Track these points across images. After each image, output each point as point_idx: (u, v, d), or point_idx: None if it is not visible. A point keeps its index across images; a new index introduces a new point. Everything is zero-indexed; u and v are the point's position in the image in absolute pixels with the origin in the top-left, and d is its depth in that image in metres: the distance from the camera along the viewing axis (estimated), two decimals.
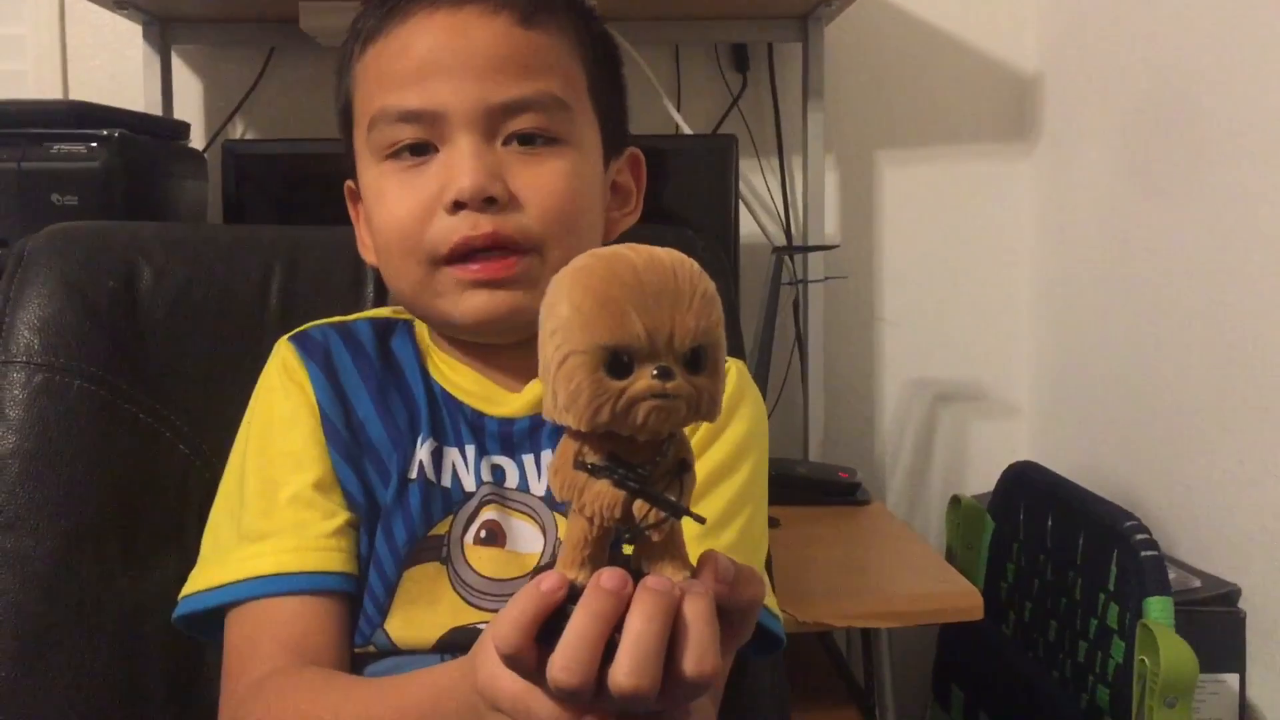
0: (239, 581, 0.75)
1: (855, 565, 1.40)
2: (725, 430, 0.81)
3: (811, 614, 1.18)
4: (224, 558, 0.77)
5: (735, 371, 0.85)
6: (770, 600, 0.80)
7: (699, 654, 0.48)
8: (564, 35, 0.79)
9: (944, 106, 1.89)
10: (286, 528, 0.75)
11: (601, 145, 0.82)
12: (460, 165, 0.74)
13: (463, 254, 0.75)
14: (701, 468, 0.79)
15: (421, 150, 0.76)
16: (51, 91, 1.80)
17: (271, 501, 0.76)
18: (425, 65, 0.75)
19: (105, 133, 1.36)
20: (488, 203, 0.74)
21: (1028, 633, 1.54)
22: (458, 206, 0.74)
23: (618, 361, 0.47)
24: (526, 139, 0.76)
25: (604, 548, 0.51)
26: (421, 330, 0.85)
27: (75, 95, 1.80)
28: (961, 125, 1.89)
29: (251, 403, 0.83)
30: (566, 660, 0.47)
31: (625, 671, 0.46)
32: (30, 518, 0.84)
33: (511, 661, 0.49)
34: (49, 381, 0.86)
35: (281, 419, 0.79)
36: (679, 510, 0.50)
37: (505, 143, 0.76)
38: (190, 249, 0.95)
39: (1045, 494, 1.55)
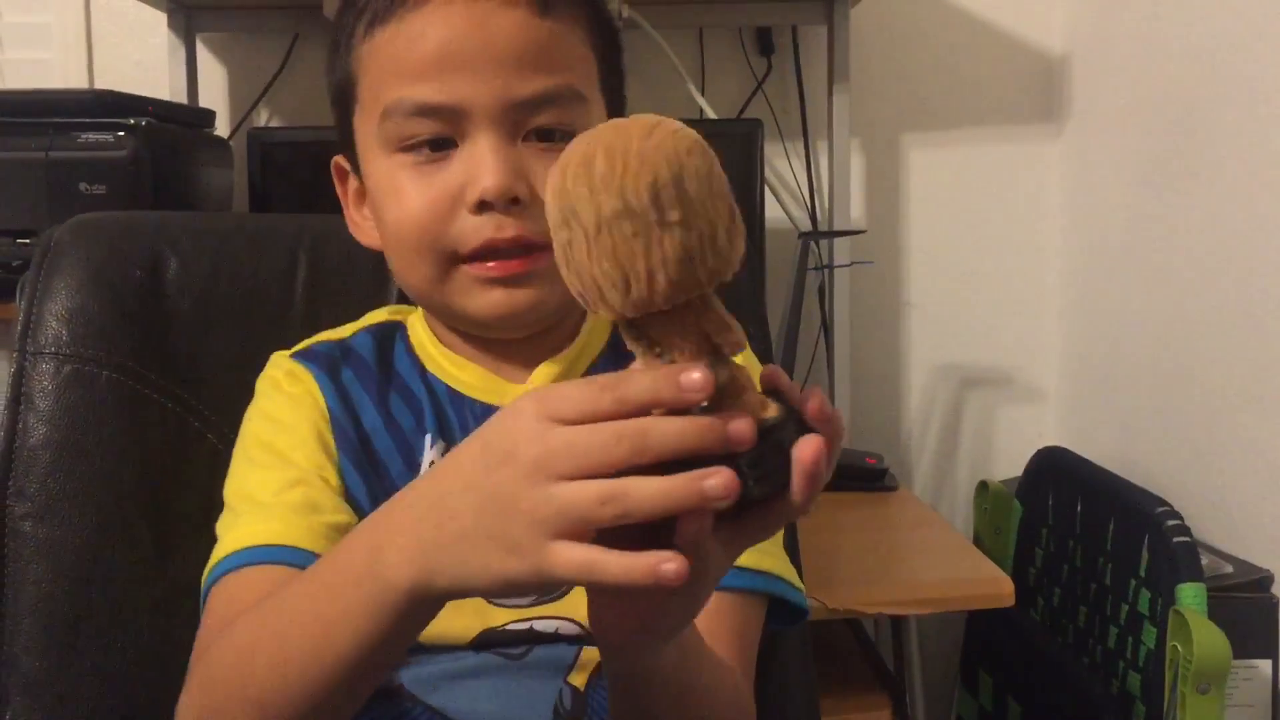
0: (231, 554, 0.73)
1: (884, 551, 1.40)
2: None
3: (841, 601, 1.18)
4: (223, 537, 0.75)
5: (742, 358, 0.85)
6: (790, 572, 0.80)
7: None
8: (577, 24, 0.77)
9: (970, 89, 1.87)
10: (284, 511, 0.74)
11: None
12: (483, 164, 0.72)
13: (483, 253, 0.74)
14: None
15: (438, 145, 0.74)
16: (77, 80, 1.80)
17: (271, 486, 0.75)
18: (444, 57, 0.72)
19: (132, 121, 1.37)
20: (512, 203, 0.73)
21: (1057, 618, 1.54)
22: (483, 206, 0.73)
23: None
24: (544, 133, 0.75)
25: None
26: (417, 331, 0.84)
27: (101, 83, 1.81)
28: (988, 108, 1.87)
29: (251, 406, 0.82)
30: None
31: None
32: (61, 507, 0.84)
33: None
34: (78, 372, 0.86)
35: (288, 416, 0.79)
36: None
37: (525, 138, 0.74)
38: (216, 238, 0.95)
39: (1074, 479, 1.53)
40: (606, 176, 0.46)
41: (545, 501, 0.48)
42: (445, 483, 0.53)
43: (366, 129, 0.78)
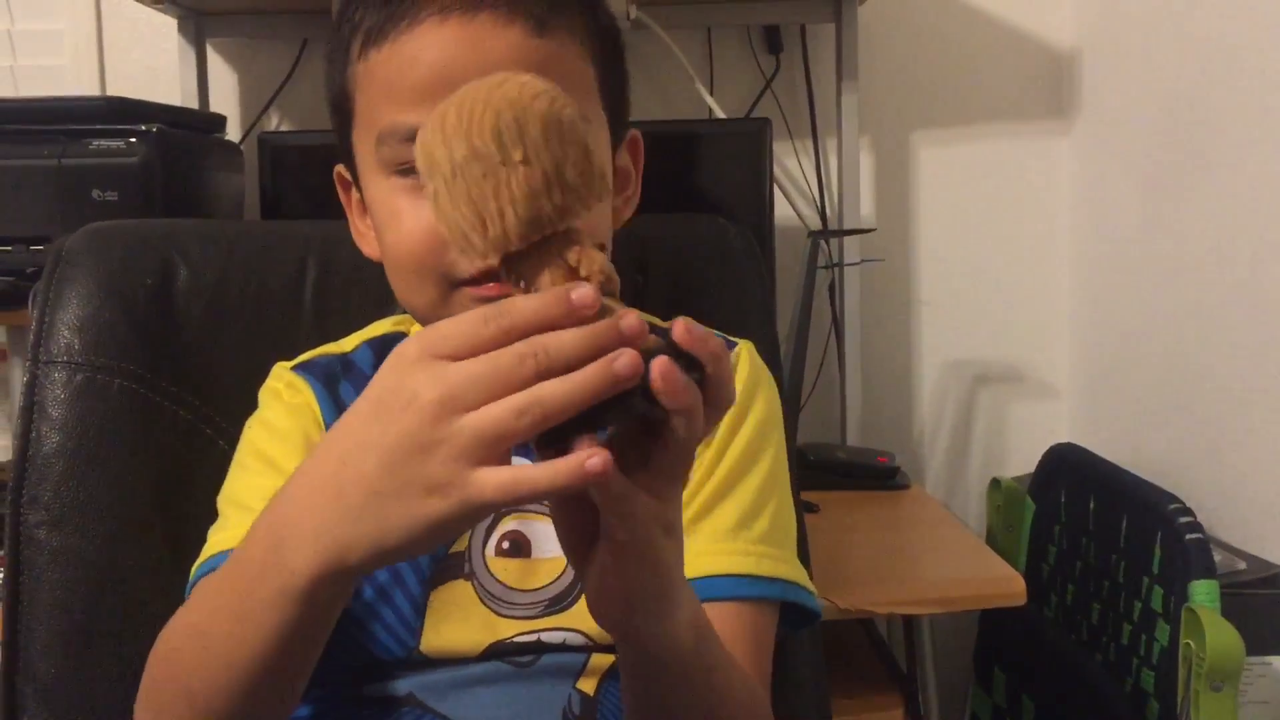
0: (210, 557, 0.74)
1: (896, 550, 1.40)
2: (746, 417, 0.81)
3: (853, 601, 1.18)
4: (210, 540, 0.76)
5: (747, 355, 0.85)
6: (803, 576, 0.80)
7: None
8: (574, 37, 0.76)
9: (980, 85, 1.86)
10: None
11: (610, 137, 0.80)
12: None
13: (482, 276, 0.72)
14: (728, 458, 0.79)
15: None
16: (89, 86, 1.81)
17: (257, 491, 0.75)
18: (439, 81, 0.70)
19: (144, 128, 1.38)
20: None
21: (1070, 615, 1.53)
22: None
23: None
24: None
25: None
26: None
27: (112, 89, 1.81)
28: (998, 104, 1.87)
29: (252, 416, 0.82)
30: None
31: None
32: (75, 515, 0.85)
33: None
34: (90, 381, 0.87)
35: (285, 424, 0.79)
36: None
37: None
38: (225, 245, 0.96)
39: (1087, 476, 1.53)
40: (455, 125, 0.50)
41: (459, 432, 0.48)
42: (338, 450, 0.53)
43: (364, 149, 0.77)
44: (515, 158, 0.49)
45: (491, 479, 0.48)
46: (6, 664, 0.84)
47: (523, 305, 0.49)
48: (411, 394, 0.49)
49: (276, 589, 0.55)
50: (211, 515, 0.84)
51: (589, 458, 0.47)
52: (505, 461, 0.49)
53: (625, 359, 0.47)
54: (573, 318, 0.49)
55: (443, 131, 0.50)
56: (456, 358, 0.49)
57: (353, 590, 0.59)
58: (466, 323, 0.49)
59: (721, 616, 0.73)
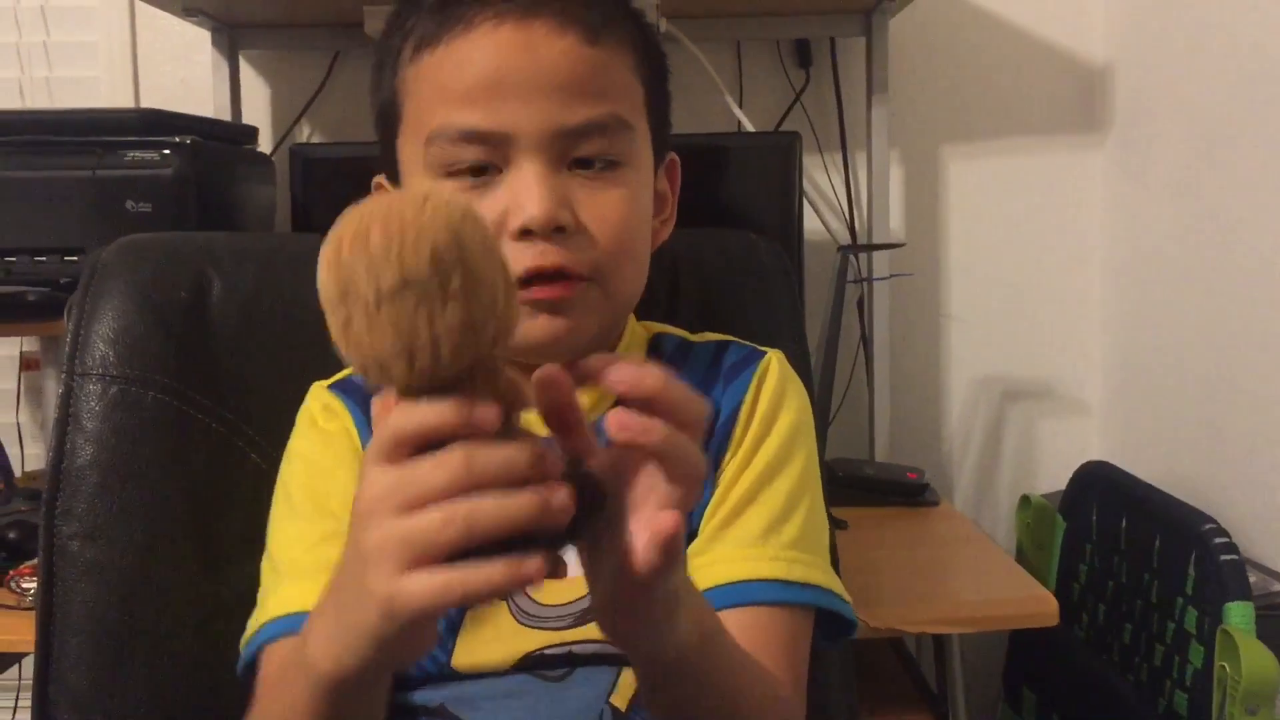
0: (270, 621, 0.74)
1: (926, 568, 1.38)
2: (775, 424, 0.81)
3: (884, 620, 1.17)
4: (264, 600, 0.77)
5: (776, 364, 0.84)
6: (837, 583, 0.80)
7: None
8: (624, 50, 0.77)
9: (1011, 99, 1.85)
10: (320, 571, 0.74)
11: (652, 158, 0.81)
12: (528, 192, 0.72)
13: (526, 279, 0.73)
14: (756, 464, 0.79)
15: (481, 170, 0.74)
16: (123, 97, 1.83)
17: (307, 539, 0.76)
18: (492, 84, 0.72)
19: (178, 139, 1.39)
20: (555, 231, 0.72)
21: (1102, 635, 1.52)
22: (525, 234, 0.72)
23: None
24: (587, 162, 0.75)
25: None
26: None
27: (146, 101, 1.83)
28: (1029, 118, 1.86)
29: (290, 443, 0.82)
30: None
31: None
32: (109, 528, 0.85)
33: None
34: (124, 393, 0.87)
35: (324, 458, 0.79)
36: None
37: (569, 167, 0.74)
38: (259, 258, 0.96)
39: (1119, 494, 1.52)
40: (383, 247, 0.45)
41: (387, 536, 0.47)
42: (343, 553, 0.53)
43: (410, 152, 0.77)
44: (454, 287, 0.45)
45: (421, 583, 0.47)
46: (39, 674, 0.84)
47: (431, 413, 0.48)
48: (357, 495, 0.49)
49: (310, 685, 0.56)
50: (244, 527, 0.85)
51: (523, 562, 0.46)
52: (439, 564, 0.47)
53: (561, 497, 0.47)
54: (474, 426, 0.47)
55: (366, 254, 0.45)
56: (395, 459, 0.48)
57: (387, 679, 0.60)
58: (401, 419, 0.48)
59: (751, 622, 0.73)
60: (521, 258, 0.72)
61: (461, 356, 0.47)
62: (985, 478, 1.90)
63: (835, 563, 0.88)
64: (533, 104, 0.72)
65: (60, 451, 0.86)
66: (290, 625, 0.73)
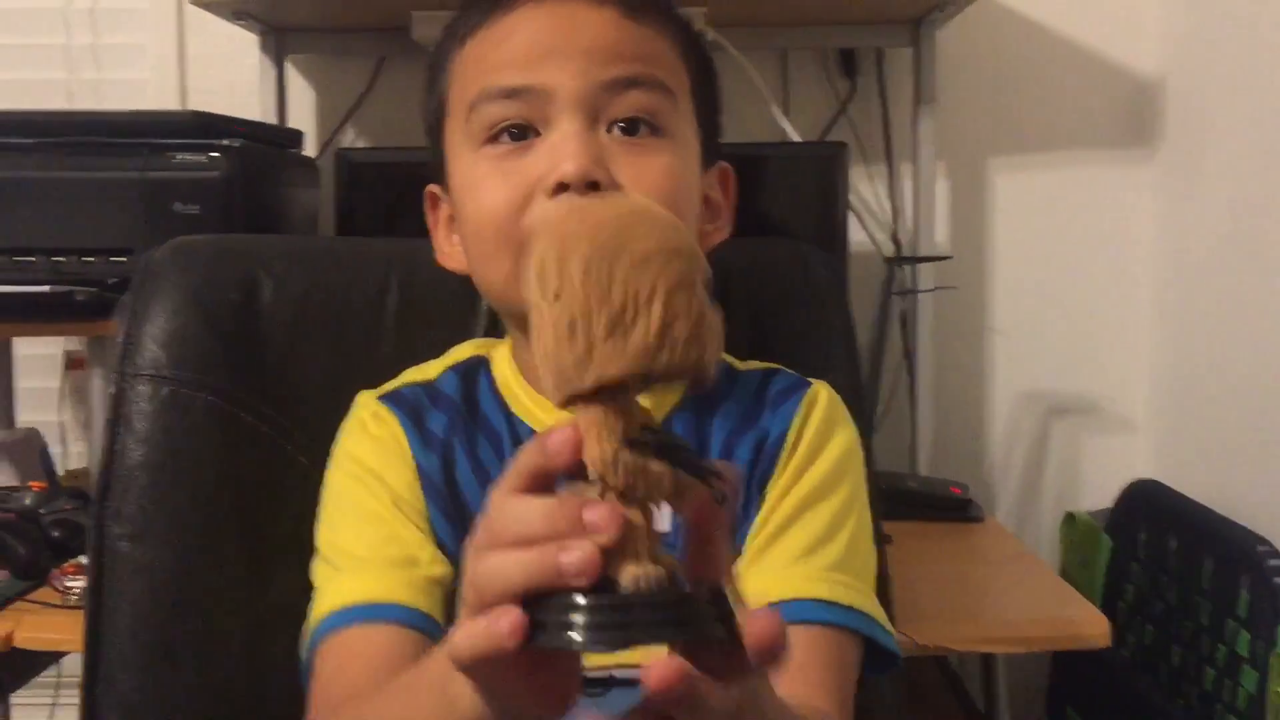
0: (333, 611, 0.73)
1: (972, 585, 1.36)
2: (821, 453, 0.79)
3: (931, 638, 1.15)
4: (320, 596, 0.76)
5: (825, 394, 0.83)
6: (880, 613, 0.78)
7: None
8: (666, 33, 0.78)
9: (1059, 111, 1.83)
10: (382, 566, 0.74)
11: (700, 150, 0.80)
12: (565, 148, 0.72)
13: None
14: (799, 488, 0.78)
15: (522, 135, 0.75)
16: (170, 100, 1.84)
17: (366, 539, 0.75)
18: (531, 48, 0.74)
19: (226, 143, 1.39)
20: (590, 188, 0.72)
21: (1149, 657, 1.49)
22: (560, 189, 0.72)
23: None
24: (630, 128, 0.74)
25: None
26: (502, 367, 0.83)
27: (193, 103, 1.84)
28: (1078, 130, 1.84)
29: (340, 446, 0.82)
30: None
31: None
32: (158, 528, 0.85)
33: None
34: (175, 395, 0.87)
35: (376, 461, 0.79)
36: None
37: (609, 129, 0.74)
38: (309, 261, 0.96)
39: (1168, 513, 1.49)
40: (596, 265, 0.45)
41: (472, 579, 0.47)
42: None
43: (455, 135, 0.79)
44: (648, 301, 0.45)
45: (462, 633, 0.46)
46: (88, 674, 0.84)
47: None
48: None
49: (442, 712, 0.54)
50: (293, 530, 0.84)
51: (497, 619, 0.44)
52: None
53: (576, 556, 0.44)
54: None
55: (584, 273, 0.45)
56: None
57: None
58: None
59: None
60: None
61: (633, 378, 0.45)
62: (1029, 494, 1.87)
63: (887, 594, 0.86)
64: (569, 61, 0.74)
65: (110, 452, 0.86)
66: (358, 615, 0.72)
